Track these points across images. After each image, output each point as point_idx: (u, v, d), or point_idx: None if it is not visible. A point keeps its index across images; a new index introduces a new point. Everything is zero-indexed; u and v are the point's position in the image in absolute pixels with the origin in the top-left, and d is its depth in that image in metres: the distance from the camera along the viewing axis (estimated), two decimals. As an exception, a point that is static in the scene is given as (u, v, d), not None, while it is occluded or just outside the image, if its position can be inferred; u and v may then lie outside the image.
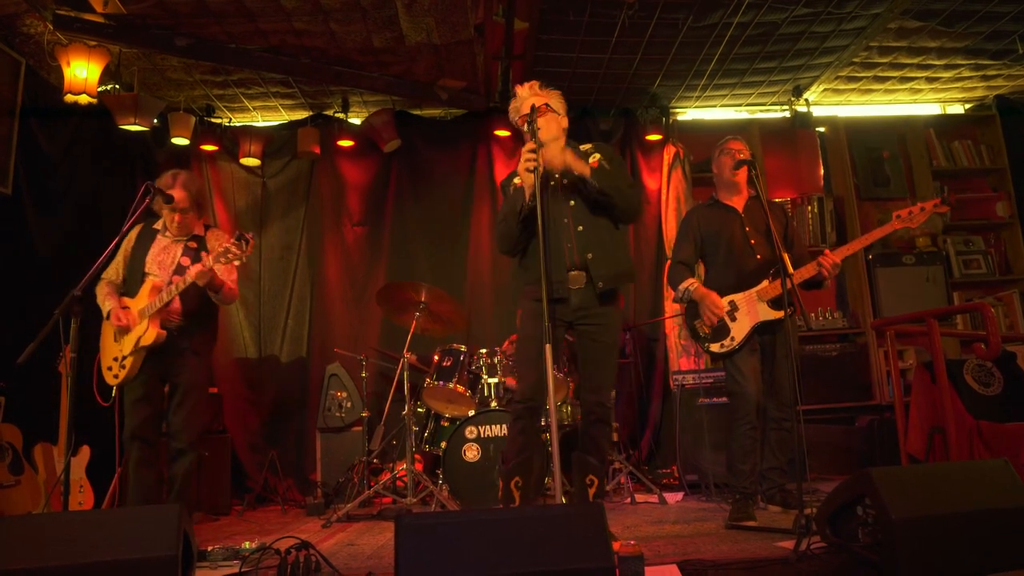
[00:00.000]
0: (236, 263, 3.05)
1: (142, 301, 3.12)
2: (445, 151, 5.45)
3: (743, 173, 3.42)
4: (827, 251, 3.29)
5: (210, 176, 5.31)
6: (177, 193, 3.19)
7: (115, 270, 3.29)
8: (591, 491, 2.81)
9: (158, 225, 3.30)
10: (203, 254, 3.15)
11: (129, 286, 3.25)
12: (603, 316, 2.80)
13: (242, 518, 4.18)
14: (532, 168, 2.56)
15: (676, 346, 5.12)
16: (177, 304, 3.16)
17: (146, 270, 3.21)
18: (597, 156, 2.80)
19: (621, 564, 1.89)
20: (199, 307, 3.24)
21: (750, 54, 4.69)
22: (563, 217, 2.78)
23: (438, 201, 5.38)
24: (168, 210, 3.21)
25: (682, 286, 3.41)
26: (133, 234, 3.31)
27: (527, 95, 2.87)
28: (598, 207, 2.79)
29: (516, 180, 2.87)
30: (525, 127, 2.75)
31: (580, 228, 2.76)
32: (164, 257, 3.24)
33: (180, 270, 3.18)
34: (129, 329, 3.11)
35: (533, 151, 2.59)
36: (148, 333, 3.06)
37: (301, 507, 4.40)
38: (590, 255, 2.73)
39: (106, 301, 3.19)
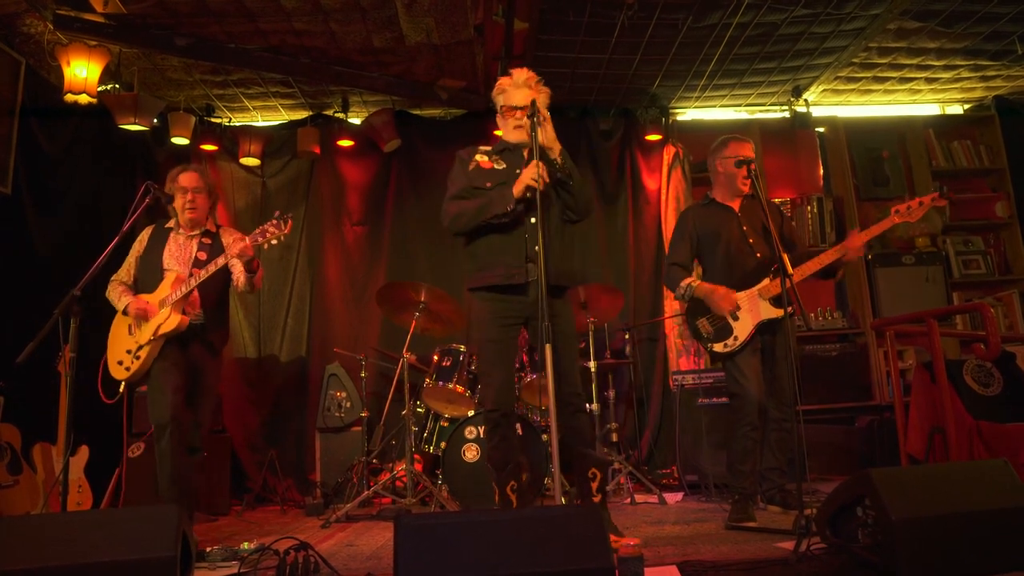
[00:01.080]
0: (274, 242, 3.05)
1: (163, 292, 3.15)
2: (445, 151, 5.42)
3: (749, 180, 3.39)
4: (854, 231, 3.25)
5: (210, 176, 5.30)
6: (191, 175, 3.30)
7: (127, 271, 3.32)
8: (594, 484, 2.73)
9: (170, 224, 3.35)
10: (239, 234, 3.29)
11: (145, 285, 3.26)
12: (557, 306, 2.76)
13: (241, 518, 4.18)
14: (535, 188, 2.56)
15: (676, 346, 5.12)
16: (196, 298, 3.18)
17: (165, 267, 3.24)
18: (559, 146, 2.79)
19: (621, 565, 1.89)
20: (217, 301, 3.27)
21: (750, 54, 4.69)
22: (525, 210, 2.74)
23: (438, 201, 5.28)
24: (180, 192, 3.25)
25: (683, 283, 3.39)
26: (145, 236, 3.36)
27: (522, 84, 2.84)
28: (552, 201, 2.78)
29: (479, 158, 2.88)
30: (515, 118, 2.80)
31: (532, 220, 2.68)
32: (181, 253, 3.28)
33: (198, 263, 3.21)
34: (148, 318, 3.13)
35: (534, 176, 2.58)
36: (169, 320, 3.06)
37: (300, 507, 4.40)
38: (537, 247, 2.62)
39: (122, 297, 3.21)
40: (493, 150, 2.95)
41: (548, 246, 2.61)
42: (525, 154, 2.82)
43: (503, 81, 2.91)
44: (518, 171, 2.78)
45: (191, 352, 3.19)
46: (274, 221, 3.01)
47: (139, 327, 3.16)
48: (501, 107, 2.91)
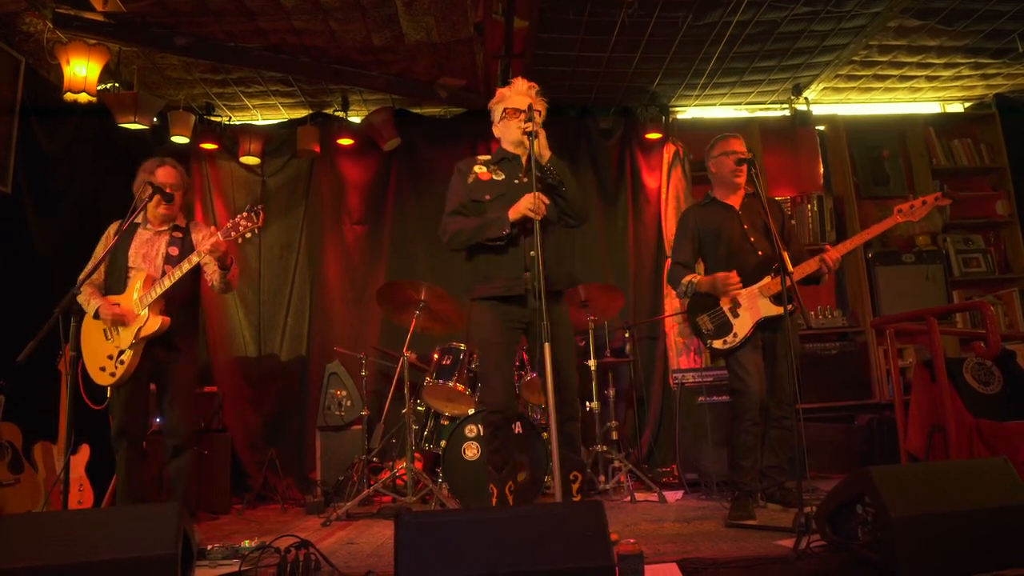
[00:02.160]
0: (248, 235, 3.01)
1: (135, 293, 3.09)
2: (445, 149, 5.44)
3: (744, 173, 3.41)
4: (828, 246, 3.29)
5: (209, 174, 5.32)
6: (169, 170, 3.22)
7: (98, 272, 3.19)
8: (575, 486, 2.80)
9: (138, 219, 3.24)
10: (212, 228, 3.20)
11: (111, 282, 3.17)
12: (557, 314, 2.79)
13: (242, 517, 4.18)
14: (533, 217, 2.57)
15: (676, 345, 5.12)
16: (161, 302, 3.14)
17: (130, 264, 3.16)
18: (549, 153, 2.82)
19: (621, 563, 1.89)
20: (184, 302, 3.22)
21: (750, 52, 4.69)
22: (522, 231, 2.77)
23: (438, 200, 5.28)
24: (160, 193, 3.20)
25: (684, 280, 3.42)
26: (111, 230, 3.25)
27: (524, 92, 2.90)
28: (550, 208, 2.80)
29: (477, 169, 2.90)
30: (518, 120, 2.81)
31: (530, 238, 2.72)
32: (148, 250, 3.19)
33: (170, 259, 3.15)
34: (125, 322, 3.06)
35: (531, 207, 2.59)
36: (150, 322, 3.03)
37: (301, 506, 4.40)
38: (532, 253, 2.65)
39: (91, 300, 3.11)
40: (492, 160, 2.97)
41: (546, 261, 2.62)
42: (524, 162, 2.88)
43: (502, 90, 2.96)
44: (516, 181, 2.83)
45: (155, 355, 3.14)
46: (245, 214, 2.96)
47: (116, 331, 3.08)
48: (504, 110, 2.93)
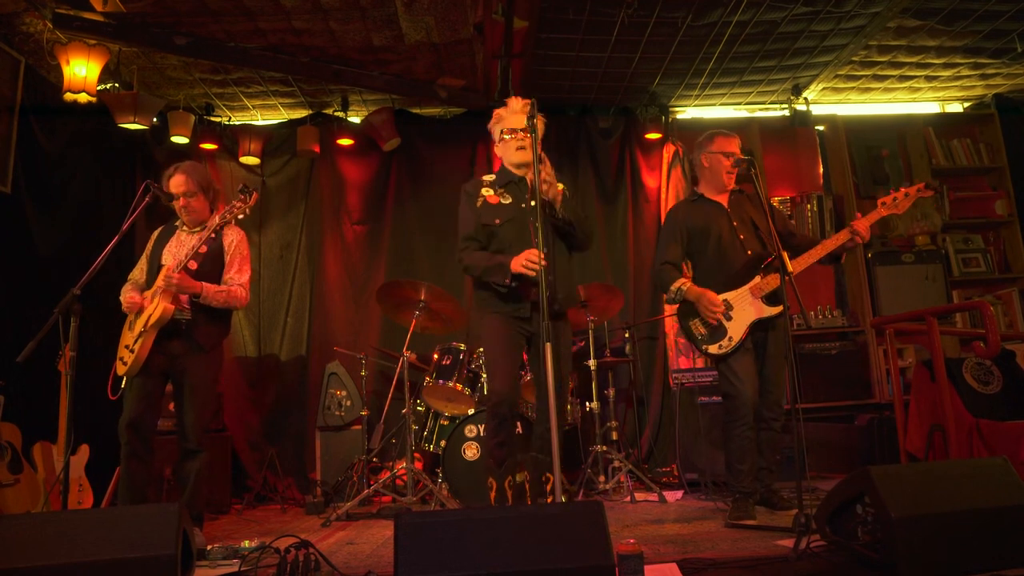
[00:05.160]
0: (240, 215, 3.11)
1: (157, 285, 3.17)
2: (445, 149, 5.44)
3: (735, 175, 3.40)
4: (858, 214, 3.25)
5: (204, 171, 5.30)
6: (178, 178, 3.27)
7: (139, 270, 3.36)
8: (548, 487, 2.81)
9: (178, 223, 3.38)
10: (238, 236, 3.35)
11: (150, 281, 3.28)
12: (558, 328, 2.83)
13: (241, 517, 4.18)
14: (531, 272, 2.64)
15: (675, 345, 5.12)
16: (185, 296, 3.17)
17: (162, 262, 3.26)
18: (561, 186, 2.86)
19: (621, 563, 1.89)
20: None
21: (749, 53, 4.69)
22: (530, 238, 2.80)
23: (438, 199, 5.37)
24: (173, 196, 3.27)
25: (674, 286, 3.31)
26: (155, 235, 3.39)
27: (520, 111, 2.96)
28: (557, 233, 2.89)
29: (484, 192, 2.94)
30: (517, 139, 2.91)
31: (545, 251, 2.76)
32: (179, 249, 3.28)
33: (196, 256, 3.20)
34: (142, 309, 3.15)
35: (527, 265, 2.66)
36: (156, 310, 3.07)
37: (300, 506, 4.40)
38: (550, 277, 2.72)
39: (124, 294, 3.25)
40: (497, 182, 3.00)
41: (549, 283, 2.67)
42: (529, 181, 2.91)
43: (498, 111, 3.03)
44: (524, 205, 2.88)
45: (172, 349, 3.16)
46: (241, 195, 3.11)
47: (137, 319, 3.17)
48: (501, 132, 3.00)
